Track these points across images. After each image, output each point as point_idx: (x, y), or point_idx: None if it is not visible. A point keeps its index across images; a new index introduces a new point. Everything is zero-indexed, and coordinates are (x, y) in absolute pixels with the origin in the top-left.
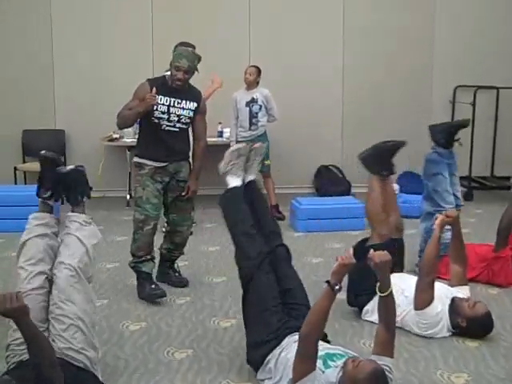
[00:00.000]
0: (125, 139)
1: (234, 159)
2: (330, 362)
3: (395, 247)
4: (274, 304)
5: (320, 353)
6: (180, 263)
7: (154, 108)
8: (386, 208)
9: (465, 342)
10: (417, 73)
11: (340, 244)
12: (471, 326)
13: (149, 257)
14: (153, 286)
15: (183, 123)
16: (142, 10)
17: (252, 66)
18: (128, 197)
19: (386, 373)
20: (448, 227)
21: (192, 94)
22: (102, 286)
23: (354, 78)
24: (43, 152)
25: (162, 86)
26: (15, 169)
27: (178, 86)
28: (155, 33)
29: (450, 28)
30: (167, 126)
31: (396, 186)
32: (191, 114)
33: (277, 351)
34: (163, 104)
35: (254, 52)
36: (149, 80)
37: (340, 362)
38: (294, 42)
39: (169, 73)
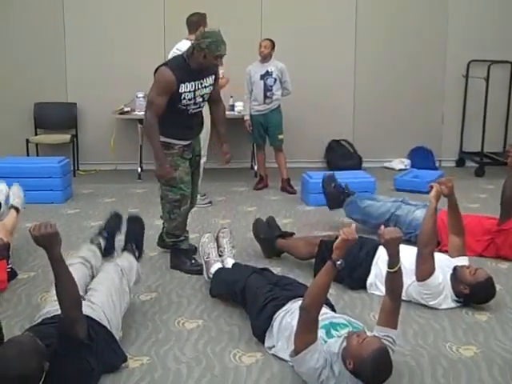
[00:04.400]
0: (136, 112)
1: (208, 249)
2: (334, 332)
3: None
4: (266, 284)
5: (324, 322)
6: (191, 235)
7: (182, 97)
8: (306, 241)
9: (474, 314)
10: (430, 47)
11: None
12: (474, 292)
13: (186, 235)
14: (193, 262)
15: (205, 99)
16: None
17: (266, 39)
18: (139, 170)
19: (389, 344)
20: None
21: (208, 68)
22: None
23: (366, 53)
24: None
25: (184, 72)
26: (27, 141)
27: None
28: (167, 7)
29: (464, 2)
30: (193, 109)
31: (407, 161)
32: (212, 87)
33: (280, 314)
34: (189, 91)
35: (266, 26)
36: (171, 68)
37: (343, 332)
38: (307, 16)
39: (182, 47)
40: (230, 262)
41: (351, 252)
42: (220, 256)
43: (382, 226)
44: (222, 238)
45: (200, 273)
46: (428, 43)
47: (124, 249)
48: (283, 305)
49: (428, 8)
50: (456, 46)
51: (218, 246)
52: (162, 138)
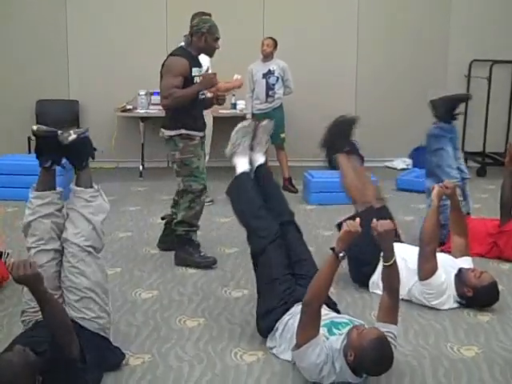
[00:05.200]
0: (138, 110)
1: (240, 138)
2: (335, 330)
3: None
4: (282, 274)
5: (326, 321)
6: None
7: (195, 82)
8: (359, 180)
9: (476, 315)
10: (432, 47)
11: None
12: (477, 295)
13: (198, 226)
14: (202, 254)
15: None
16: None
17: (269, 38)
18: (141, 167)
19: (390, 339)
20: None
21: (201, 56)
22: (115, 255)
23: (368, 53)
24: (35, 128)
25: (190, 58)
26: (29, 138)
27: (211, 55)
28: (169, 5)
29: (466, 1)
30: (201, 94)
31: (409, 161)
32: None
33: (285, 318)
34: (198, 76)
35: (268, 24)
36: (179, 55)
37: (345, 330)
38: (308, 15)
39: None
40: (259, 160)
41: (366, 250)
42: (251, 149)
43: (375, 220)
44: (262, 129)
45: (209, 266)
46: (429, 43)
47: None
48: (289, 308)
49: (429, 8)
50: (458, 46)
51: (254, 137)
52: (184, 131)
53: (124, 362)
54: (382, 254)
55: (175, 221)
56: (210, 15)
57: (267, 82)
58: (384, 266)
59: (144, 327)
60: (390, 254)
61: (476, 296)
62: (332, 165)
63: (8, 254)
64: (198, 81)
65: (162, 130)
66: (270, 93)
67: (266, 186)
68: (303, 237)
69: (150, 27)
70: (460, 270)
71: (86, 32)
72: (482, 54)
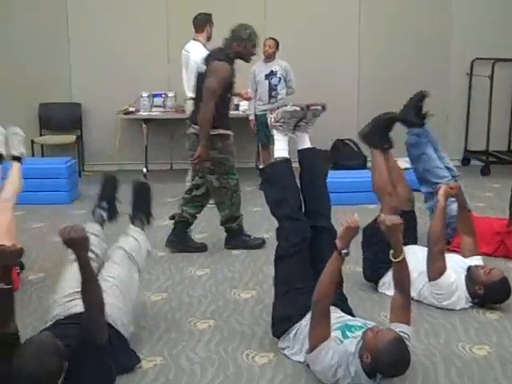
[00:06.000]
0: (141, 112)
1: (286, 119)
2: (349, 333)
3: (406, 219)
4: (305, 285)
5: (339, 324)
6: (198, 235)
7: (232, 86)
8: (392, 181)
9: (486, 313)
10: (434, 46)
11: (359, 218)
12: (489, 292)
13: (242, 214)
14: (252, 237)
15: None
16: None
17: (270, 38)
18: (144, 170)
19: (405, 340)
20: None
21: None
22: None
23: (370, 52)
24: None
25: (231, 63)
26: (32, 142)
27: (248, 61)
28: (170, 5)
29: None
30: (228, 94)
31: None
32: None
33: (301, 324)
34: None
35: (270, 25)
36: (226, 61)
37: (359, 333)
38: (310, 15)
39: (191, 48)
40: (304, 144)
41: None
42: (295, 128)
43: (382, 214)
44: (313, 114)
45: (262, 245)
46: (431, 42)
47: (132, 218)
48: (305, 315)
49: (430, 6)
50: (460, 44)
51: (303, 117)
52: (222, 131)
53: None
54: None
55: (224, 219)
56: (210, 15)
57: (270, 83)
58: (393, 262)
59: (155, 330)
60: (399, 249)
61: (488, 293)
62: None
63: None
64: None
65: (194, 126)
66: (273, 93)
67: (308, 177)
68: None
69: (152, 29)
70: (469, 268)
71: (87, 35)
72: (484, 52)
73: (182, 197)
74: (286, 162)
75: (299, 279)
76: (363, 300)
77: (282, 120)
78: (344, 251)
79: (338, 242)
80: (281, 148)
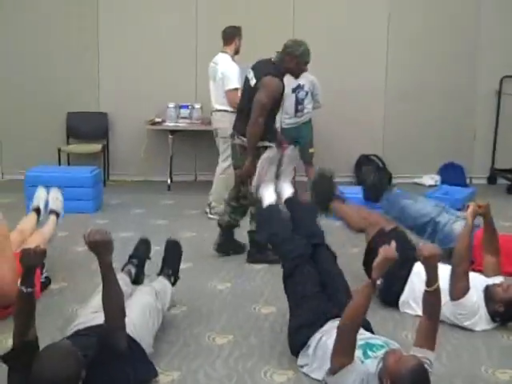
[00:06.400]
0: (167, 123)
1: (266, 167)
2: (370, 353)
3: (395, 235)
4: (312, 292)
5: (360, 342)
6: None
7: (282, 102)
8: (362, 215)
9: (510, 337)
10: (462, 61)
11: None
12: (509, 308)
13: None
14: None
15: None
16: None
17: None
18: (169, 181)
19: (426, 366)
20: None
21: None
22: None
23: (396, 68)
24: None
25: (282, 78)
26: (59, 150)
27: (297, 77)
28: (199, 17)
29: (497, 15)
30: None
31: (437, 177)
32: None
33: (318, 335)
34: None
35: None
36: (278, 77)
37: (380, 353)
38: (337, 30)
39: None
40: (286, 192)
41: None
42: (277, 178)
43: (422, 243)
44: (288, 157)
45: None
46: (460, 57)
47: (160, 273)
48: (322, 325)
49: (459, 23)
50: (489, 61)
51: (279, 166)
52: (267, 143)
53: (154, 379)
54: (410, 272)
55: (253, 230)
56: (239, 28)
57: (296, 97)
58: (426, 290)
59: (174, 343)
60: (434, 278)
61: (508, 309)
62: (327, 214)
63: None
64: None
65: (242, 138)
66: (299, 107)
67: (297, 213)
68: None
69: (180, 40)
70: (487, 287)
71: (116, 45)
72: None
73: (226, 204)
74: (274, 205)
75: (307, 287)
76: (385, 319)
77: (264, 171)
78: (378, 282)
79: (372, 272)
80: (269, 197)
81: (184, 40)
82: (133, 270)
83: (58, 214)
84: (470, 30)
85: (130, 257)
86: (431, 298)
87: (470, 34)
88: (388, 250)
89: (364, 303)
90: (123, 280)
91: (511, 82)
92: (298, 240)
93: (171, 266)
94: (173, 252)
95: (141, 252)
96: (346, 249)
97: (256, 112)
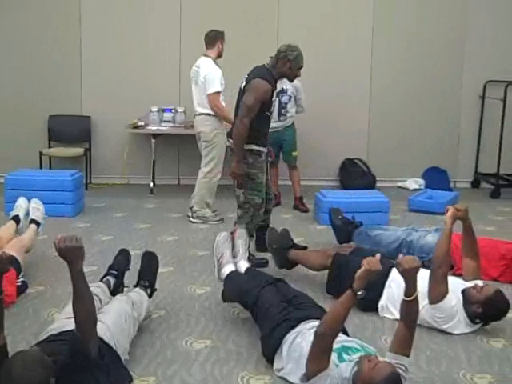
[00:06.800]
0: (150, 127)
1: (220, 249)
2: (346, 356)
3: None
4: (277, 302)
5: (336, 345)
6: (202, 252)
7: (271, 104)
8: (319, 254)
9: (489, 341)
10: (447, 67)
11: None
12: (486, 308)
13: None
14: (255, 257)
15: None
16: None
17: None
18: (151, 185)
19: (401, 372)
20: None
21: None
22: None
23: (381, 72)
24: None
25: (273, 81)
26: (41, 153)
27: (292, 81)
28: (183, 22)
29: (482, 21)
30: (270, 115)
31: (422, 181)
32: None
33: (291, 336)
34: (274, 99)
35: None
36: (266, 79)
37: (355, 357)
38: (322, 33)
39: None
40: (243, 266)
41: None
42: (234, 258)
43: (401, 255)
44: (238, 238)
45: (264, 266)
46: (444, 63)
47: (136, 284)
48: (294, 326)
49: (445, 28)
50: (473, 66)
51: (233, 247)
52: (254, 147)
53: None
54: (388, 278)
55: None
56: (222, 32)
57: (280, 101)
58: (404, 300)
59: (149, 348)
60: (413, 289)
61: (486, 309)
62: (282, 265)
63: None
64: (273, 104)
65: (230, 140)
66: (283, 111)
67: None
68: None
69: (163, 44)
70: (463, 291)
71: (99, 48)
72: (497, 74)
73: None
74: (234, 271)
75: (271, 300)
76: (364, 323)
77: (220, 254)
78: (359, 293)
79: (354, 282)
80: (228, 270)
81: (168, 43)
82: (112, 281)
83: (38, 224)
84: (455, 35)
85: (110, 267)
86: (409, 307)
87: (456, 41)
88: (371, 261)
89: (344, 313)
90: (101, 288)
91: (494, 87)
92: (256, 279)
93: (148, 277)
94: (149, 264)
95: (121, 263)
96: None
97: (241, 112)
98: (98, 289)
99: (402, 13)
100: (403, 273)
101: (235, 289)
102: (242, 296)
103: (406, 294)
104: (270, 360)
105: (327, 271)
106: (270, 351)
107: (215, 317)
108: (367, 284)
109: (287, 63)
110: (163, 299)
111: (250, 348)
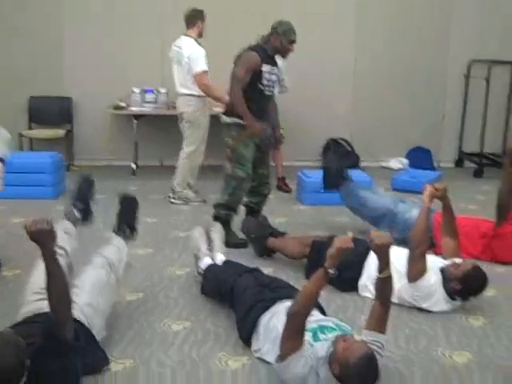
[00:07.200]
0: (132, 108)
1: (197, 243)
2: (321, 335)
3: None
4: (252, 285)
5: (312, 325)
6: (183, 233)
7: (263, 76)
8: (296, 241)
9: (469, 319)
10: (431, 46)
11: (346, 218)
12: (465, 284)
13: (237, 211)
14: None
15: (274, 86)
16: None
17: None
18: (134, 166)
19: (377, 349)
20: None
21: (275, 60)
22: None
23: (366, 51)
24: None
25: (264, 55)
26: (20, 135)
27: (285, 56)
28: (163, 2)
29: (466, 1)
30: (267, 91)
31: (405, 161)
32: (277, 76)
33: (267, 316)
34: (267, 72)
35: (264, 23)
36: (255, 50)
37: (331, 336)
38: (306, 13)
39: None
40: (220, 258)
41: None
42: (210, 251)
43: (372, 231)
44: (214, 232)
45: (242, 246)
46: (429, 42)
47: (115, 230)
48: (270, 306)
49: (430, 8)
50: (457, 46)
51: (209, 241)
52: (238, 120)
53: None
54: (367, 257)
55: (216, 202)
56: (202, 11)
57: None
58: (378, 277)
59: (127, 331)
60: (386, 266)
61: (465, 285)
62: (261, 253)
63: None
64: (267, 77)
65: (222, 115)
66: None
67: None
68: None
69: (145, 25)
70: (442, 270)
71: (81, 28)
72: (480, 54)
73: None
74: (212, 266)
75: (246, 283)
76: (346, 302)
77: (197, 247)
78: (331, 271)
79: (326, 260)
80: (206, 264)
81: (149, 24)
82: (78, 215)
83: (2, 160)
84: (440, 14)
85: (75, 200)
86: (383, 285)
87: (441, 21)
88: (343, 240)
89: (316, 291)
90: (68, 235)
91: (478, 66)
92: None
93: (127, 220)
94: (128, 206)
95: (85, 192)
96: (313, 232)
97: (231, 83)
98: (65, 236)
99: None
100: (375, 249)
101: (213, 280)
102: (220, 285)
103: (380, 271)
104: (247, 342)
105: (306, 258)
106: (246, 333)
107: (194, 299)
108: (341, 263)
109: (278, 37)
110: (142, 282)
111: (229, 329)
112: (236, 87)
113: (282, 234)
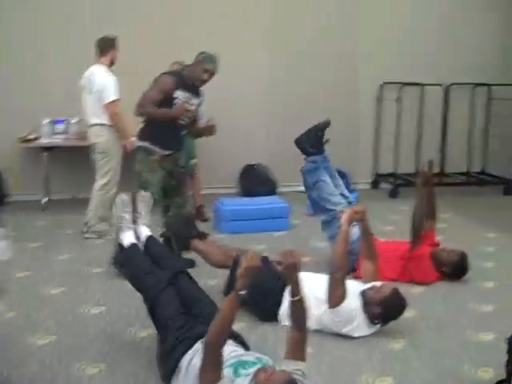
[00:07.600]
0: (41, 140)
1: (121, 211)
2: (242, 370)
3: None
4: (176, 314)
5: (232, 360)
6: (96, 270)
7: (174, 102)
8: (220, 251)
9: (390, 343)
10: (344, 69)
11: (263, 245)
12: (385, 308)
13: None
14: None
15: (190, 117)
16: None
17: (176, 62)
18: (44, 200)
19: (299, 377)
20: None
21: (198, 91)
22: (11, 297)
23: (280, 78)
24: None
25: (180, 80)
26: None
27: (199, 85)
28: (73, 28)
29: (373, 25)
30: (181, 119)
31: None
32: (197, 108)
33: (188, 356)
34: (181, 100)
35: (181, 47)
36: (170, 74)
37: (252, 370)
38: (218, 39)
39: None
40: (144, 232)
41: (266, 281)
42: (134, 222)
43: (283, 253)
44: (141, 201)
45: (192, 266)
46: (341, 65)
47: None
48: (192, 345)
49: (339, 32)
50: (368, 69)
51: (134, 211)
52: (146, 144)
53: None
54: (287, 287)
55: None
56: (114, 39)
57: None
58: (291, 301)
59: (39, 378)
60: (297, 288)
61: (384, 309)
62: (182, 250)
63: None
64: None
65: (133, 138)
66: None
67: (155, 251)
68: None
69: (55, 54)
70: (362, 292)
71: None
72: (392, 76)
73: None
74: (134, 244)
75: (170, 310)
76: (266, 333)
77: (120, 215)
78: (242, 292)
79: (237, 282)
80: (128, 239)
81: (58, 53)
82: None
83: None
84: (348, 38)
85: None
86: (297, 309)
87: (350, 47)
88: (249, 257)
89: (229, 316)
90: None
91: (390, 88)
92: (156, 272)
93: None
94: None
95: None
96: None
97: (139, 102)
98: None
99: (293, 19)
100: (284, 271)
101: (133, 274)
102: (140, 288)
103: (292, 294)
104: (167, 380)
105: (228, 273)
106: (168, 373)
107: (111, 338)
108: (260, 291)
109: (194, 66)
110: (55, 323)
111: (148, 369)
112: (142, 107)
113: (205, 235)
